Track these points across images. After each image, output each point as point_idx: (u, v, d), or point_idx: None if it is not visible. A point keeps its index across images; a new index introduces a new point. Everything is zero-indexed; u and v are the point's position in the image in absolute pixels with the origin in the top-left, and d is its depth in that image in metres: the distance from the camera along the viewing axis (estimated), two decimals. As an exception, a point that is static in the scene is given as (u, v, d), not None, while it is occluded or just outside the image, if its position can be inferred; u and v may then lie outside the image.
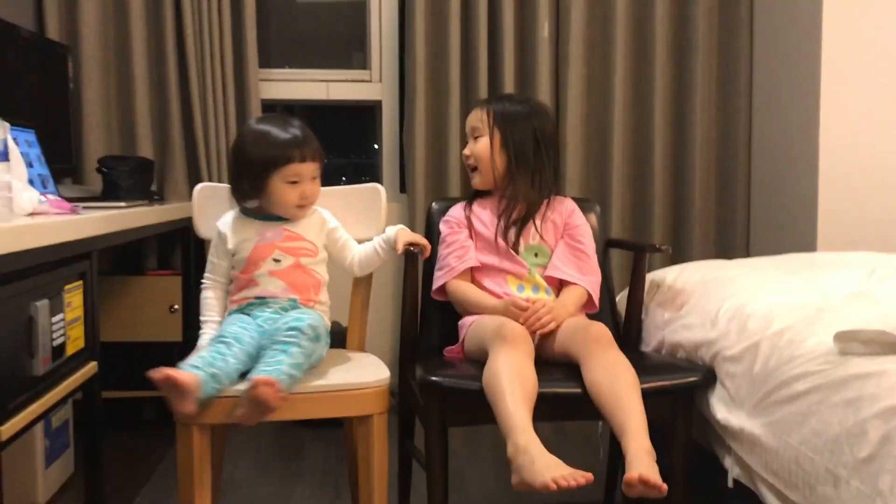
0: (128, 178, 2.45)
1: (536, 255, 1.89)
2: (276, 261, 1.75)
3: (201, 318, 1.81)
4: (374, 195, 1.92)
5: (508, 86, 2.91)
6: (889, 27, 2.55)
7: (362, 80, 3.15)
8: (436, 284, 1.91)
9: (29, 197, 1.59)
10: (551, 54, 2.95)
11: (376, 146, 3.28)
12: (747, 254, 3.03)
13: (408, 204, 2.97)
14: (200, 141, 2.81)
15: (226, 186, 1.86)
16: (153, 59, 2.82)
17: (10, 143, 1.50)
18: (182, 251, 2.72)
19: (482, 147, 1.90)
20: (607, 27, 2.96)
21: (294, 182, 1.74)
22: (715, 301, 1.70)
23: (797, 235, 2.65)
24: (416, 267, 1.92)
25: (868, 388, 1.16)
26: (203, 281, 1.84)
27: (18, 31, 2.31)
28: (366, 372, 1.67)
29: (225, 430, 1.99)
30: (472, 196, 2.00)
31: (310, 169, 1.75)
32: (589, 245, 1.92)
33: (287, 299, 1.74)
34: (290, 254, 1.77)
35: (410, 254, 1.86)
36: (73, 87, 2.68)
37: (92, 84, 2.76)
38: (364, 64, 3.18)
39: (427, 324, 1.98)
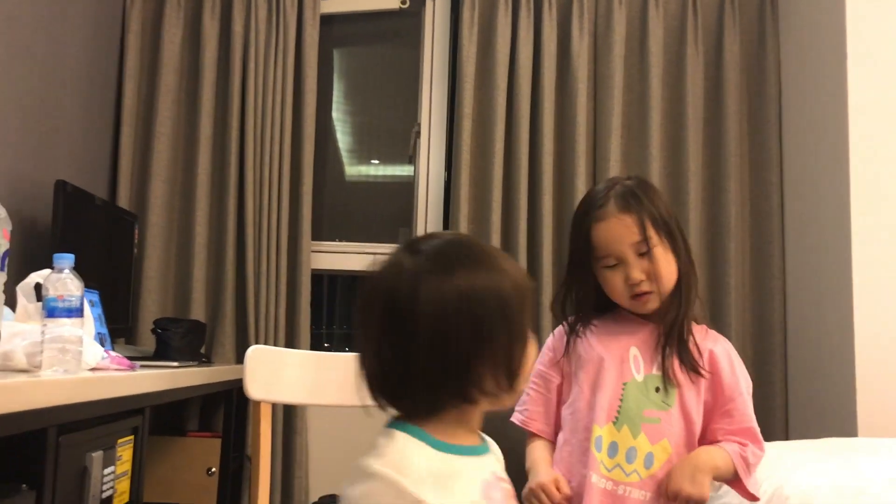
0: (180, 340, 2.56)
1: (658, 389, 1.44)
2: None
3: None
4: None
5: (546, 263, 3.03)
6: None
7: (407, 255, 3.30)
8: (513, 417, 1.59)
9: (94, 352, 1.69)
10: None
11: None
12: (786, 432, 2.98)
13: (446, 375, 3.03)
14: (251, 307, 2.94)
15: (278, 350, 1.94)
16: (213, 229, 3.02)
17: (84, 302, 1.62)
18: (224, 413, 2.78)
19: (662, 259, 1.41)
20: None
21: None
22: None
23: (837, 421, 2.63)
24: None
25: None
26: None
27: (93, 199, 2.52)
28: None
29: None
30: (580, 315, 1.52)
31: None
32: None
33: None
34: None
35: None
36: (137, 253, 2.85)
37: (155, 251, 2.94)
38: (410, 234, 3.35)
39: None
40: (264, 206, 2.98)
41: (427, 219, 3.29)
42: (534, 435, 1.54)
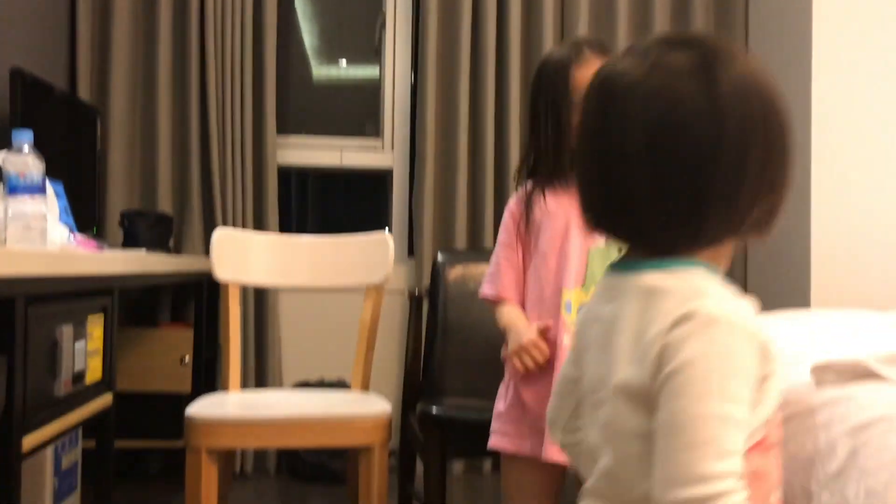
0: (148, 231, 2.58)
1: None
2: None
3: None
4: (382, 244, 2.03)
5: (513, 157, 3.05)
6: (876, 88, 2.68)
7: (375, 148, 3.30)
8: (480, 292, 1.66)
9: (60, 232, 1.71)
10: (555, 126, 3.10)
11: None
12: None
13: (415, 265, 3.08)
14: (218, 200, 2.94)
15: (245, 232, 1.97)
16: (177, 123, 2.99)
17: (47, 182, 1.63)
18: (195, 304, 2.81)
19: None
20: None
21: None
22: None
23: (793, 295, 2.74)
24: (420, 312, 2.01)
25: (839, 411, 1.24)
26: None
27: (52, 89, 2.48)
28: (367, 405, 1.74)
29: (230, 471, 2.05)
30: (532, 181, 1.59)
31: None
32: None
33: None
34: None
35: (415, 298, 1.95)
36: (101, 146, 2.83)
37: (118, 144, 2.92)
38: (376, 132, 3.34)
39: (434, 367, 2.05)
40: (227, 100, 2.95)
41: (394, 113, 3.28)
42: (495, 299, 1.61)
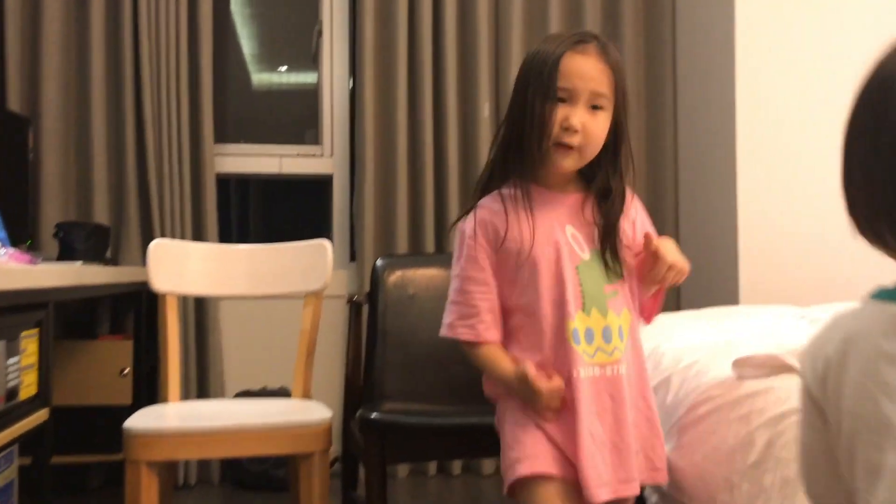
0: (83, 243, 2.54)
1: (606, 263, 1.40)
2: None
3: None
4: (321, 251, 2.05)
5: (452, 160, 3.09)
6: (799, 90, 2.78)
7: (314, 155, 3.31)
8: (450, 332, 1.43)
9: (-10, 247, 1.69)
10: (492, 132, 3.14)
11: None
12: (678, 304, 3.18)
13: (356, 271, 3.10)
14: (155, 210, 2.91)
15: (181, 242, 1.97)
16: (112, 132, 2.95)
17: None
18: (134, 315, 2.79)
19: (602, 125, 1.36)
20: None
21: None
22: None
23: (722, 293, 2.83)
24: (360, 317, 2.04)
25: (758, 404, 1.30)
26: None
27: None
28: (308, 412, 1.76)
29: (171, 483, 2.04)
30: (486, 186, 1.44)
31: None
32: None
33: None
34: None
35: (354, 304, 1.97)
36: (33, 158, 2.79)
37: (52, 155, 2.87)
38: (316, 140, 3.35)
39: (374, 372, 2.08)
40: (163, 108, 2.93)
41: (333, 119, 3.29)
42: (473, 343, 1.41)
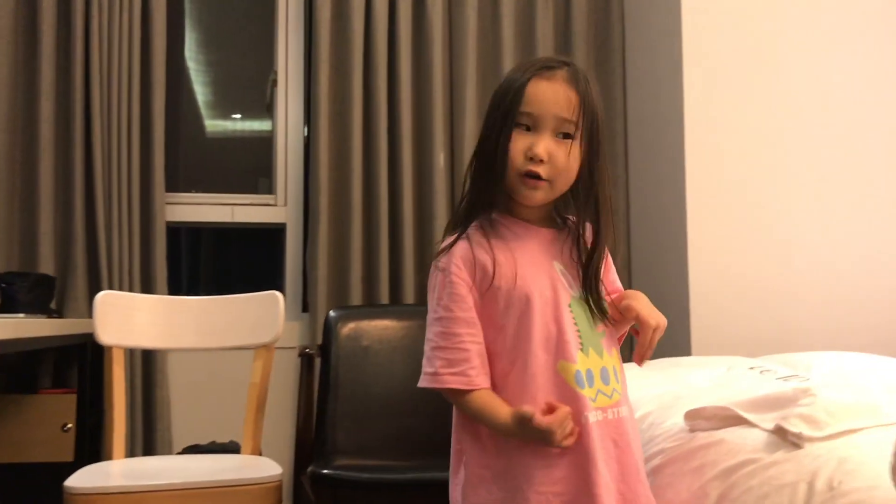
0: (27, 294, 2.48)
1: (589, 301, 1.31)
2: None
3: None
4: (272, 303, 2.02)
5: (407, 210, 3.09)
6: (749, 139, 2.84)
7: (268, 205, 3.29)
8: (435, 382, 1.27)
9: (-74, 300, 1.63)
10: (447, 182, 3.16)
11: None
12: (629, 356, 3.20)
13: (309, 322, 3.06)
14: (103, 261, 2.85)
15: (129, 294, 1.93)
16: (60, 180, 2.89)
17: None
18: (79, 368, 2.71)
19: (572, 154, 1.27)
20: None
21: None
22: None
23: (674, 344, 2.85)
24: (311, 370, 2.00)
25: (710, 456, 1.30)
26: None
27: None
28: (258, 469, 1.71)
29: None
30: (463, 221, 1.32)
31: None
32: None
33: None
34: None
35: (306, 356, 1.95)
36: (-23, 207, 2.72)
37: (-5, 205, 2.81)
38: (270, 189, 3.33)
39: (326, 426, 2.04)
40: (114, 156, 2.89)
41: (287, 168, 3.28)
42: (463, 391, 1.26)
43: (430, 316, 1.29)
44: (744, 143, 2.87)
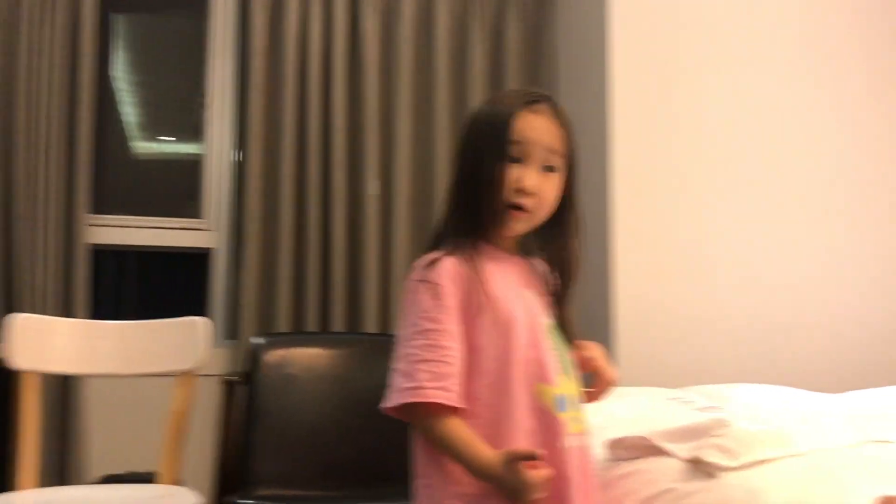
0: (-63, 316, 2.38)
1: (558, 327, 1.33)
2: None
3: None
4: (194, 329, 1.98)
5: (339, 237, 3.08)
6: (680, 168, 2.92)
7: (196, 228, 3.24)
8: (417, 395, 1.18)
9: None
10: (380, 210, 3.16)
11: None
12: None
13: (236, 349, 3.00)
14: (21, 283, 2.76)
15: (45, 318, 1.87)
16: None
17: None
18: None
19: (556, 187, 1.31)
20: (429, 184, 3.22)
21: None
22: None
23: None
24: (233, 397, 1.97)
25: (630, 486, 1.33)
26: None
27: None
28: (175, 499, 1.67)
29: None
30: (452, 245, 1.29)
31: None
32: None
33: None
34: None
35: (228, 384, 1.91)
36: None
37: None
38: (198, 213, 3.28)
39: (249, 456, 2.00)
40: (38, 177, 2.82)
41: (217, 192, 3.24)
42: (438, 410, 1.19)
43: (411, 330, 1.22)
44: (669, 179, 2.94)
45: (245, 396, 2.01)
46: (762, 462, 1.32)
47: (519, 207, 1.26)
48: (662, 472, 1.35)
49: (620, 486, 1.35)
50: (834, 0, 3.14)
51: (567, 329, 1.32)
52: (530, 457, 1.13)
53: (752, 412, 1.77)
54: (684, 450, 1.39)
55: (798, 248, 3.01)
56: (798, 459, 1.34)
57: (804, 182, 3.05)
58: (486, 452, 1.16)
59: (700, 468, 1.33)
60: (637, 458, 1.41)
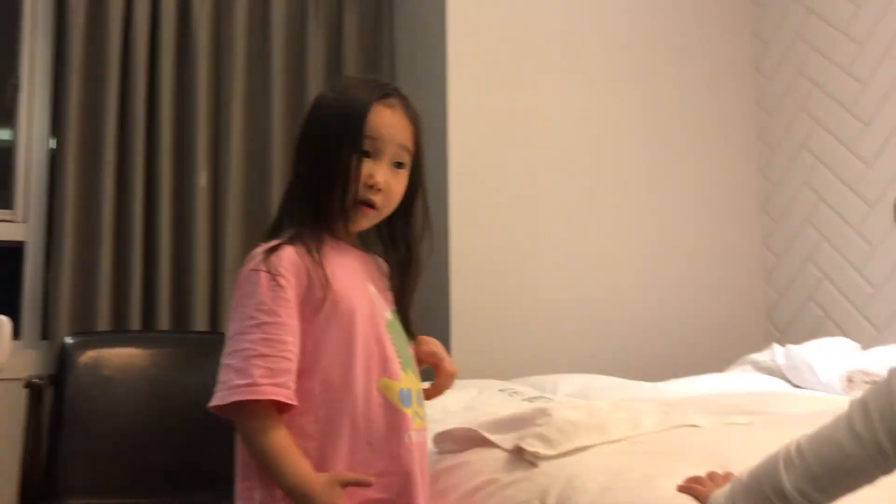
0: None
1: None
2: None
3: None
4: (-5, 328, 1.82)
5: (164, 230, 2.93)
6: (512, 151, 3.00)
7: (5, 220, 2.98)
8: (254, 392, 1.12)
9: None
10: (209, 202, 3.04)
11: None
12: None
13: (49, 350, 2.79)
14: None
15: None
16: None
17: None
18: None
19: (403, 183, 1.30)
20: (264, 175, 3.12)
21: None
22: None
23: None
24: (40, 402, 1.83)
25: (453, 479, 1.33)
26: None
27: None
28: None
29: None
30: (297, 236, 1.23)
31: None
32: None
33: None
34: None
35: (34, 387, 1.77)
36: None
37: None
38: (8, 204, 3.02)
39: (57, 464, 1.86)
40: None
41: (29, 182, 3.00)
42: (267, 411, 1.13)
43: (246, 323, 1.15)
44: (502, 182, 3.03)
45: (53, 400, 1.87)
46: (579, 450, 1.36)
47: (369, 203, 1.24)
48: (486, 463, 1.36)
49: (444, 480, 1.35)
50: (644, 15, 3.33)
51: (407, 324, 1.31)
52: (364, 484, 1.12)
53: (573, 401, 1.83)
54: (508, 440, 1.41)
55: (617, 247, 3.19)
56: (613, 446, 1.40)
57: (621, 185, 3.23)
58: (307, 468, 1.12)
59: (522, 457, 1.35)
60: (464, 449, 1.42)
